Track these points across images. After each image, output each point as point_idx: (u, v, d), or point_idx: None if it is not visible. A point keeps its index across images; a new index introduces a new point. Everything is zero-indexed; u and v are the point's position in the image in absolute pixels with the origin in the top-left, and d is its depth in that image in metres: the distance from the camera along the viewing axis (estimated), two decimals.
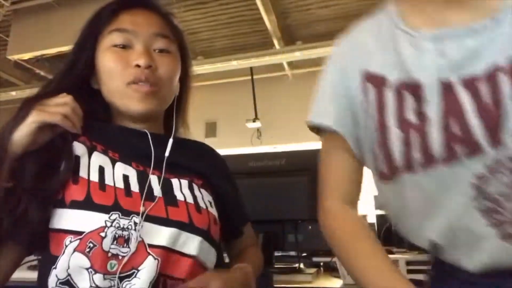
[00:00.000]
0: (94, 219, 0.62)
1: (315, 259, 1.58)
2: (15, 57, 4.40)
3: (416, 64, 0.61)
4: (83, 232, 0.61)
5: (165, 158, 0.72)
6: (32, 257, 1.47)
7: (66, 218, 0.63)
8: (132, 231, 0.61)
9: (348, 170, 0.71)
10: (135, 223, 0.62)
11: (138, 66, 0.70)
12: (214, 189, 0.78)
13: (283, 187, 1.36)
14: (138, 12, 0.75)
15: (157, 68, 0.72)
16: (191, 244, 0.65)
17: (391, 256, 1.23)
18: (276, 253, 1.49)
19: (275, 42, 5.36)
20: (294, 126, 6.27)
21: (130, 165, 0.70)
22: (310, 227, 1.32)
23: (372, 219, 2.73)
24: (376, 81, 0.64)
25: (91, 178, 0.65)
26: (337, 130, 0.68)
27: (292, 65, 6.22)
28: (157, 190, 0.68)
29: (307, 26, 5.47)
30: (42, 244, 0.65)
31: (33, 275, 1.22)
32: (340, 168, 0.71)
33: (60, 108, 0.65)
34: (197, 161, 0.79)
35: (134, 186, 0.67)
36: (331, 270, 1.44)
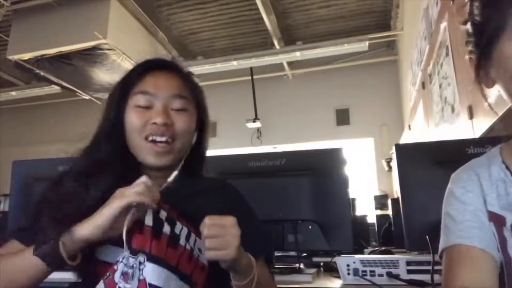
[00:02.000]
0: (116, 252, 0.72)
1: (315, 259, 1.58)
2: (15, 57, 4.40)
3: None
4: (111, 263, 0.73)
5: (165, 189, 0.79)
6: None
7: (103, 251, 0.76)
8: (136, 270, 0.69)
9: None
10: (140, 263, 0.70)
11: (155, 123, 0.81)
12: None
13: (283, 187, 1.36)
14: (161, 75, 0.86)
15: (173, 124, 0.83)
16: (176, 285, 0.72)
17: (391, 256, 1.23)
18: (276, 253, 1.49)
19: (275, 42, 5.35)
20: (294, 126, 6.29)
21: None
22: (310, 227, 1.31)
23: (372, 219, 2.72)
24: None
25: None
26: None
27: (292, 65, 6.23)
28: (165, 227, 0.74)
29: (307, 26, 5.46)
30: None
31: None
32: None
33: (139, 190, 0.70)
34: (205, 211, 0.80)
35: (148, 220, 0.73)
36: (331, 270, 1.44)
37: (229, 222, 0.69)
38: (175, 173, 0.82)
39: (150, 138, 0.81)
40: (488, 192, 0.70)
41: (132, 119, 0.83)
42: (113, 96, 0.87)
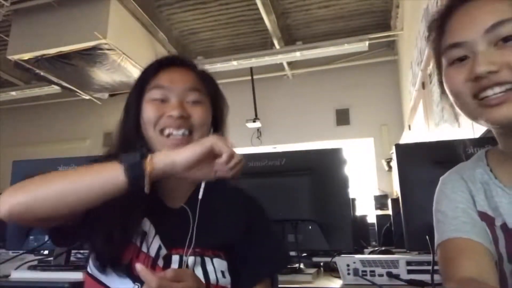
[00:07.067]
0: (127, 284, 0.72)
1: (315, 259, 1.58)
2: (15, 57, 4.41)
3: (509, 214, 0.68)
4: None
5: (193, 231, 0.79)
6: (32, 257, 1.47)
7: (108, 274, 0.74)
8: None
9: None
10: None
11: (171, 116, 0.80)
12: (230, 249, 0.83)
13: (283, 187, 1.35)
14: (175, 70, 0.87)
15: (190, 116, 0.82)
16: None
17: (391, 256, 1.23)
18: None
19: (275, 42, 5.35)
20: (294, 126, 6.29)
21: (161, 241, 0.78)
22: (310, 227, 1.31)
23: (372, 219, 2.72)
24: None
25: (134, 241, 0.77)
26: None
27: (292, 65, 6.23)
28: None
29: (307, 26, 5.46)
30: None
31: (33, 275, 1.22)
32: None
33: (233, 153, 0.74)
34: (220, 232, 0.83)
35: (161, 261, 0.76)
36: (331, 270, 1.44)
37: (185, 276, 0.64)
38: (203, 184, 0.80)
39: (167, 132, 0.81)
40: (476, 194, 0.72)
41: (148, 111, 0.82)
42: (130, 95, 0.88)
